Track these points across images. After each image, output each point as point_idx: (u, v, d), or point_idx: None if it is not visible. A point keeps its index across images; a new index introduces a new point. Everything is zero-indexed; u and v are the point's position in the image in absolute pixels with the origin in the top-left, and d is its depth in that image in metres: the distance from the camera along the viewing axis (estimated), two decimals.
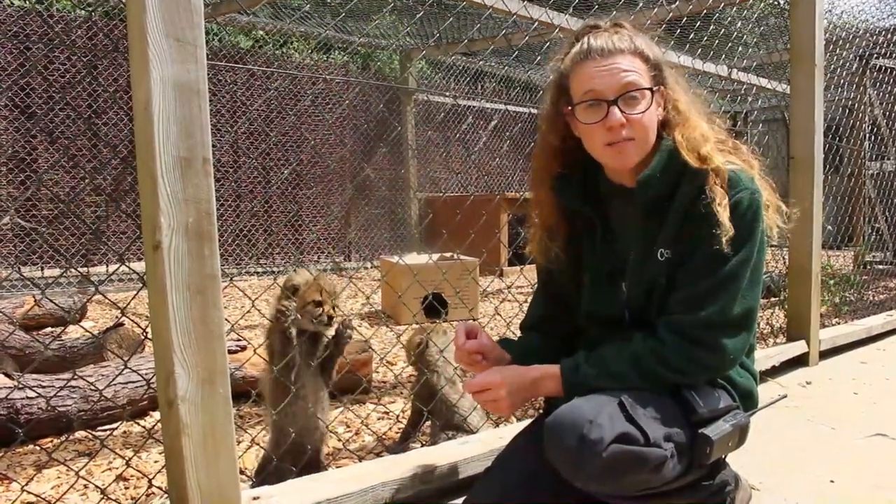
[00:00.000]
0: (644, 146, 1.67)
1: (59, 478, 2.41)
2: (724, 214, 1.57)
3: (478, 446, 2.20)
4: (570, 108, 1.70)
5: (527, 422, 2.03)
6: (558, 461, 1.52)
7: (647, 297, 1.71)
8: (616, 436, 1.47)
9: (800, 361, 3.68)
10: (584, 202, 1.80)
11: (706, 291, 1.59)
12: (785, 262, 3.92)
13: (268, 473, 2.18)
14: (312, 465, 2.21)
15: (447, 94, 10.20)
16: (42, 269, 7.12)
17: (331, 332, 2.23)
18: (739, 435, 1.65)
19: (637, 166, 1.70)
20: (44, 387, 2.76)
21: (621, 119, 1.62)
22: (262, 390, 2.27)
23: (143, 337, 3.64)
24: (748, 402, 1.76)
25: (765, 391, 2.71)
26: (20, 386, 2.66)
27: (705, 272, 1.60)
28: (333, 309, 2.18)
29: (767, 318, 4.28)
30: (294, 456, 2.17)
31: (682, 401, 1.61)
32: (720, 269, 1.59)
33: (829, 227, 3.96)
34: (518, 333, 2.04)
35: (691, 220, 1.63)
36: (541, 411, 1.96)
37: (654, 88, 1.66)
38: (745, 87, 6.57)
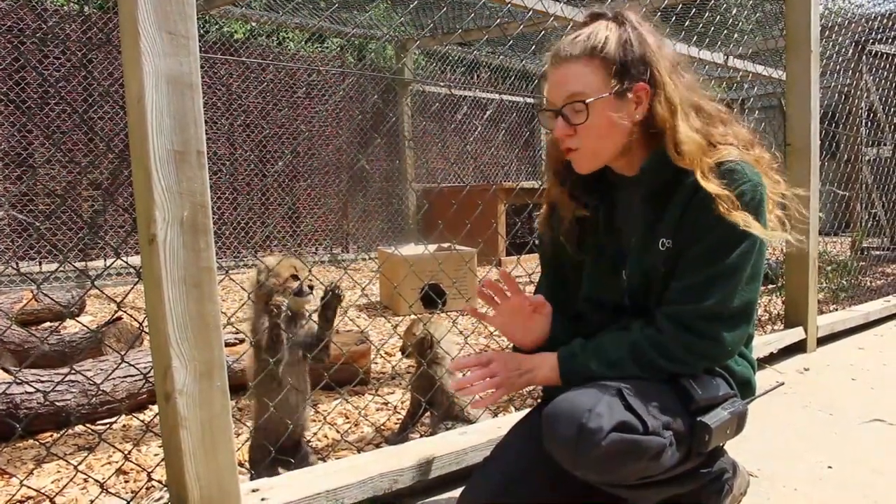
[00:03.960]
0: (594, 155, 1.68)
1: (58, 472, 2.41)
2: (725, 207, 1.56)
3: (476, 436, 2.21)
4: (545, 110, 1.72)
5: (526, 411, 2.03)
6: (557, 451, 1.53)
7: (647, 285, 1.71)
8: (615, 425, 1.47)
9: (798, 348, 3.69)
10: (589, 193, 1.79)
11: (706, 282, 1.59)
12: (782, 249, 3.92)
13: (256, 461, 2.19)
14: (293, 446, 2.22)
15: (442, 84, 10.17)
16: (40, 263, 7.11)
17: (316, 297, 2.24)
18: (737, 423, 1.65)
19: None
20: (43, 381, 2.76)
21: (565, 130, 1.64)
22: (247, 373, 2.29)
23: (140, 331, 3.64)
24: (746, 389, 1.77)
25: (763, 378, 2.72)
26: (19, 381, 2.66)
27: (706, 263, 1.59)
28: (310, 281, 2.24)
29: (765, 305, 4.28)
30: (274, 437, 2.17)
31: (680, 389, 1.61)
32: (721, 261, 1.58)
33: (821, 214, 3.96)
34: None
35: (692, 211, 1.62)
36: (539, 401, 1.96)
37: (609, 93, 1.61)
38: (741, 74, 6.55)
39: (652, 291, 1.71)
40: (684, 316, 1.60)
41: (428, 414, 2.68)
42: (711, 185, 1.56)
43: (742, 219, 1.55)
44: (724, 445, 1.75)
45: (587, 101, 1.61)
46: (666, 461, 1.55)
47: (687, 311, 1.60)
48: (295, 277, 2.21)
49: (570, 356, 1.69)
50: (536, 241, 2.02)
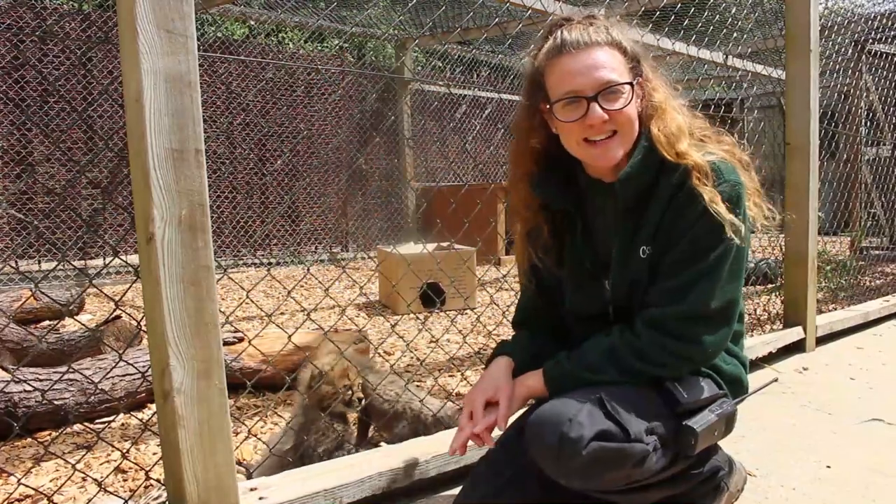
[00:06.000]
0: (628, 139, 1.64)
1: (57, 470, 2.41)
2: (707, 207, 1.54)
3: None
4: (548, 106, 1.66)
5: (522, 411, 2.03)
6: (541, 459, 1.52)
7: (630, 294, 1.69)
8: (595, 433, 1.46)
9: (796, 347, 3.69)
10: (564, 198, 1.77)
11: (685, 285, 1.57)
12: (781, 248, 3.92)
13: None
14: None
15: (442, 83, 10.17)
16: (39, 262, 7.11)
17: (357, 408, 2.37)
18: (726, 424, 1.64)
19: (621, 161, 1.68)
20: (41, 380, 2.75)
21: (602, 116, 1.57)
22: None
23: (138, 329, 3.63)
24: (737, 388, 1.75)
25: (761, 378, 2.72)
26: (17, 379, 2.66)
27: (684, 265, 1.58)
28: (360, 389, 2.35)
29: (764, 305, 4.28)
30: None
31: (665, 392, 1.60)
32: (699, 263, 1.57)
33: (821, 214, 3.96)
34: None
35: (671, 215, 1.61)
36: (534, 401, 1.96)
37: (633, 81, 1.62)
38: (740, 73, 6.56)
39: (635, 300, 1.69)
40: (662, 319, 1.58)
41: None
42: (703, 187, 1.56)
43: (724, 214, 1.55)
44: (717, 443, 1.75)
45: (633, 82, 1.61)
46: (651, 466, 1.54)
47: (666, 313, 1.58)
48: (347, 387, 2.28)
49: (553, 364, 1.68)
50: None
